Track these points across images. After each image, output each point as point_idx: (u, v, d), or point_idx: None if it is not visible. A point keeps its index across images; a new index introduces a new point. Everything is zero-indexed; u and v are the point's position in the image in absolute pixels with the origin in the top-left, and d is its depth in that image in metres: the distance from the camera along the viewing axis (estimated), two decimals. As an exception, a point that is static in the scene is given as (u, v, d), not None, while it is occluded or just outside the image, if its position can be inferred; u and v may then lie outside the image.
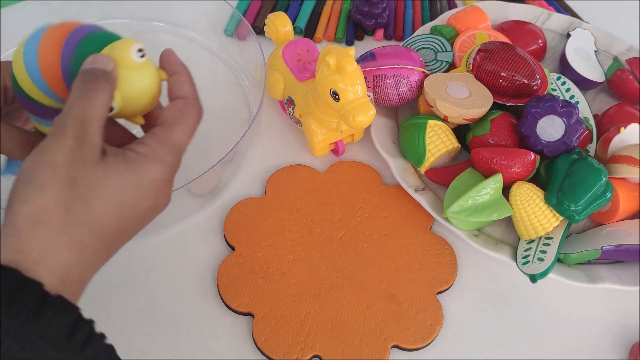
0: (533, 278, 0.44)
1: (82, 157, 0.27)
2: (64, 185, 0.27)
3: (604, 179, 0.46)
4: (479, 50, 0.53)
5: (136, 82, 0.31)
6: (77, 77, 0.30)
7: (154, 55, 0.33)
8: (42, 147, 0.28)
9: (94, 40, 0.32)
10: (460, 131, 0.53)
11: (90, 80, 0.29)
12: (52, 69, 0.32)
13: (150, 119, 0.35)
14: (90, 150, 0.28)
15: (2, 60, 0.58)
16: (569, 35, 0.64)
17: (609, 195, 0.46)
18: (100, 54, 0.31)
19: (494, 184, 0.47)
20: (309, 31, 0.66)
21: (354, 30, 0.67)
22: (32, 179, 0.27)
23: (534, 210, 0.47)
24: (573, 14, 0.72)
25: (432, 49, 0.59)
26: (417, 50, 0.58)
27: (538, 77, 0.52)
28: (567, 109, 0.48)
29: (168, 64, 0.34)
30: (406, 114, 0.56)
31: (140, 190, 0.29)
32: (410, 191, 0.50)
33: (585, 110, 0.56)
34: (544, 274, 0.43)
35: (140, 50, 0.31)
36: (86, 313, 0.43)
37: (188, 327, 0.43)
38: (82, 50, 0.32)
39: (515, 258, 0.46)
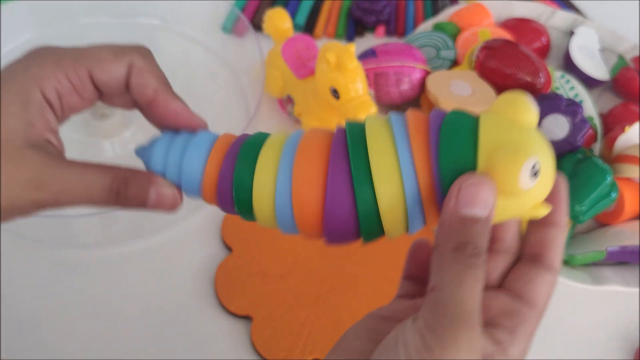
0: (537, 280, 0.43)
1: None
2: None
3: (609, 178, 0.45)
4: (482, 47, 0.53)
5: (506, 212, 0.21)
6: (448, 248, 0.20)
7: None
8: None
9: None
10: (463, 130, 0.53)
11: (469, 262, 0.20)
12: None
13: None
14: None
15: (1, 58, 0.58)
16: (572, 33, 0.63)
17: (614, 195, 0.45)
18: (476, 178, 0.20)
19: (497, 184, 0.46)
20: (308, 28, 0.66)
21: (354, 26, 0.66)
22: None
23: (538, 211, 0.46)
24: (577, 11, 0.72)
25: (434, 46, 0.58)
26: (419, 48, 0.57)
27: (542, 75, 0.51)
28: (571, 107, 0.47)
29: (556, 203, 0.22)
30: (407, 113, 0.56)
31: None
32: (412, 191, 0.49)
33: (589, 109, 0.55)
34: (548, 276, 0.43)
35: (534, 167, 0.20)
36: (83, 315, 0.42)
37: (185, 329, 0.43)
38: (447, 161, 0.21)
39: (518, 260, 0.46)
